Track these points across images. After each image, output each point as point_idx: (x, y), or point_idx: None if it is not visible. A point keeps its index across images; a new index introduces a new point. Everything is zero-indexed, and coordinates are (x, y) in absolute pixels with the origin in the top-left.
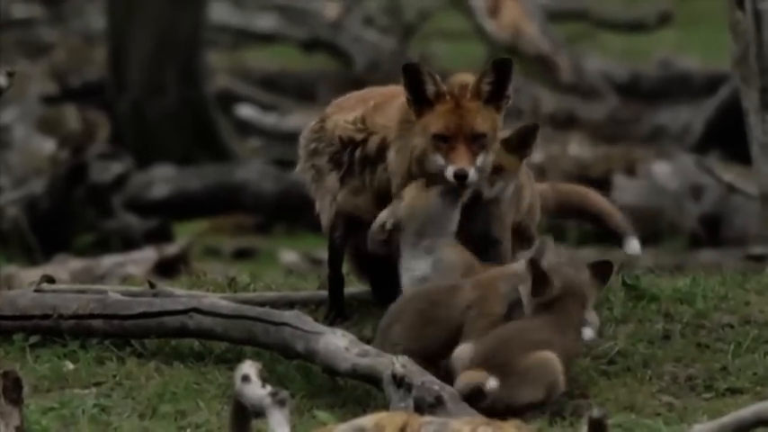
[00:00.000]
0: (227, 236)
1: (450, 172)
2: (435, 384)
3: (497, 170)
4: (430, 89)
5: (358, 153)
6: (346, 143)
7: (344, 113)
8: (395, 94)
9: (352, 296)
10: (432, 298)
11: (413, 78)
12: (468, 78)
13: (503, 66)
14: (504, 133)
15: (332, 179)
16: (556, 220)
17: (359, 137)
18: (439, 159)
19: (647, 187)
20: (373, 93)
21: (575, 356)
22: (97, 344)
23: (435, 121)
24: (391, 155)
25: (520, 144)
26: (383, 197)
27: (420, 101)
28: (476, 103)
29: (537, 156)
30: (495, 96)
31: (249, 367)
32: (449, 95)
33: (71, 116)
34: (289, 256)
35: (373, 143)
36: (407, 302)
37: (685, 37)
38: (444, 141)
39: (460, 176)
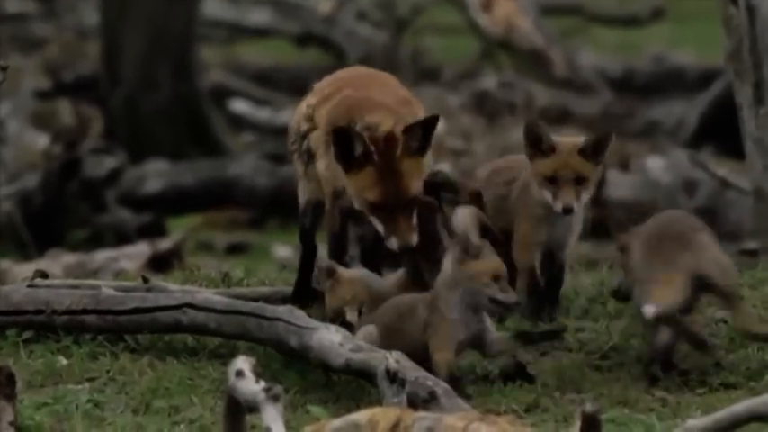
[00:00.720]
0: (221, 230)
1: (394, 245)
2: (429, 380)
3: (581, 181)
4: (358, 149)
5: (305, 144)
6: (298, 131)
7: (310, 97)
8: (345, 85)
9: None
10: (398, 312)
11: (342, 141)
12: (390, 126)
13: (430, 123)
14: (578, 140)
15: (298, 163)
16: None
17: (304, 127)
18: (380, 227)
19: (640, 182)
20: (334, 78)
21: None
22: (90, 339)
23: (370, 189)
24: (321, 165)
25: (595, 151)
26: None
27: (349, 161)
28: (406, 161)
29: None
30: (422, 148)
31: (243, 362)
32: (377, 155)
33: (64, 111)
34: (282, 250)
35: (312, 139)
36: (377, 317)
37: (679, 32)
38: (382, 209)
39: (404, 248)
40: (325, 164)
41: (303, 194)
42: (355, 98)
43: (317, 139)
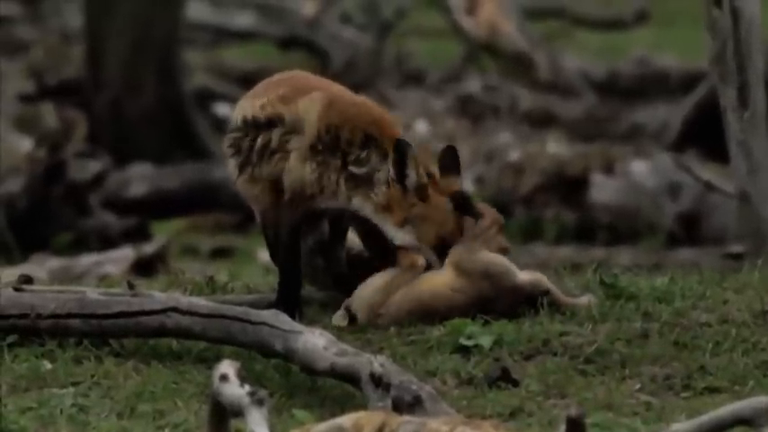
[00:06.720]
0: (205, 234)
1: None
2: (414, 384)
3: None
4: (411, 179)
5: (259, 141)
6: (250, 125)
7: (252, 99)
8: (307, 86)
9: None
10: None
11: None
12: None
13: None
14: None
15: (231, 165)
16: (534, 216)
17: (263, 119)
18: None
19: (624, 186)
20: (282, 80)
21: None
22: (75, 343)
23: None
24: (299, 168)
25: None
26: (278, 187)
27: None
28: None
29: (514, 154)
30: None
31: (227, 366)
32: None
33: (49, 115)
34: (266, 254)
35: (277, 134)
36: None
37: (662, 35)
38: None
39: None
40: (310, 167)
41: (255, 204)
42: (349, 101)
43: (298, 140)
